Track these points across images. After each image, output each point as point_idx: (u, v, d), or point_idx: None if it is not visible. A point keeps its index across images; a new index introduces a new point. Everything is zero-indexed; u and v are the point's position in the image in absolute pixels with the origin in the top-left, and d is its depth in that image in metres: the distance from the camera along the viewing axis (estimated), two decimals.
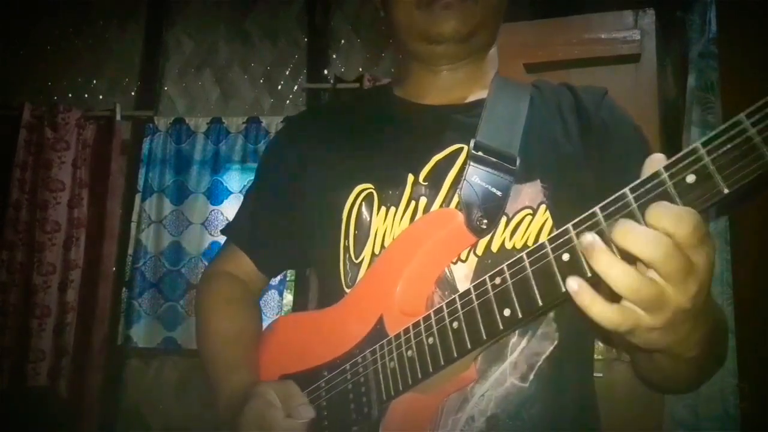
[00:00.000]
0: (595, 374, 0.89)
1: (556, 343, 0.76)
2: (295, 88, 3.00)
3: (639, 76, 1.86)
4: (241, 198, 3.06)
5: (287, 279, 2.81)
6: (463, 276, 0.77)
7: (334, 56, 3.02)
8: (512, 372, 0.74)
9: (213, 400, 0.88)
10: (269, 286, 2.72)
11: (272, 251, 0.99)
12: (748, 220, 1.55)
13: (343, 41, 3.03)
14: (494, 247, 0.77)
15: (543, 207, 0.78)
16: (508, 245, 0.77)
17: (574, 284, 0.50)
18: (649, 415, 1.57)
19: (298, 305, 2.72)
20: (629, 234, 0.48)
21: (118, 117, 2.90)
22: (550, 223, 0.77)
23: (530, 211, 0.78)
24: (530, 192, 0.78)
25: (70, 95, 3.08)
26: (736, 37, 1.62)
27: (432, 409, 0.73)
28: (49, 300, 2.72)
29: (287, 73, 3.04)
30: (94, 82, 3.11)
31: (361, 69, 2.92)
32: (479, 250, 0.77)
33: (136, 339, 2.73)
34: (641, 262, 0.49)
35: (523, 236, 0.77)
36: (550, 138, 0.83)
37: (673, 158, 0.50)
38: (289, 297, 2.84)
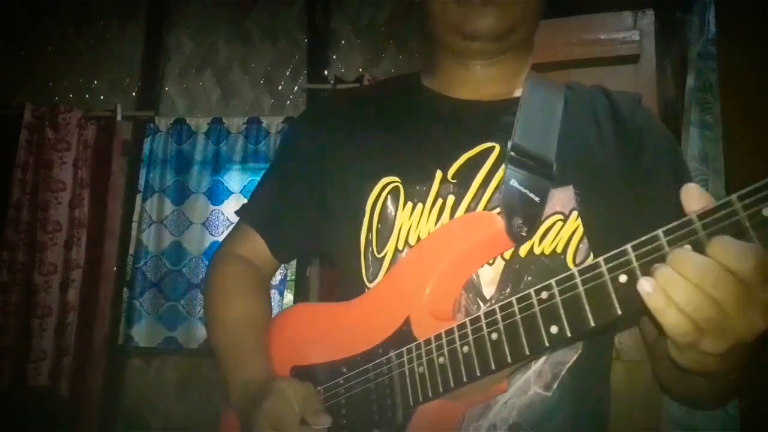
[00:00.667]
0: None
1: (579, 352, 0.75)
2: (296, 88, 3.01)
3: (638, 77, 1.86)
4: (242, 198, 3.04)
5: (287, 279, 2.82)
6: (489, 280, 0.75)
7: (334, 56, 3.02)
8: (536, 381, 0.73)
9: (223, 386, 0.85)
10: (269, 286, 2.72)
11: (287, 234, 0.95)
12: None
13: (343, 41, 3.03)
14: (522, 252, 0.75)
15: (575, 213, 0.76)
16: (537, 250, 0.75)
17: (648, 286, 0.49)
18: (647, 415, 1.58)
19: (298, 303, 2.72)
20: (681, 262, 0.48)
21: (119, 117, 2.91)
22: (581, 230, 0.75)
23: (561, 216, 0.76)
24: (562, 197, 0.76)
25: (71, 95, 3.08)
26: (735, 37, 1.62)
27: (457, 417, 0.72)
28: (50, 300, 2.73)
29: (287, 73, 3.04)
30: (95, 82, 3.12)
31: (361, 69, 2.92)
32: (507, 254, 0.76)
33: (137, 339, 2.73)
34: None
35: (552, 242, 0.75)
36: (585, 143, 0.80)
37: (749, 188, 0.47)
38: (289, 297, 2.85)
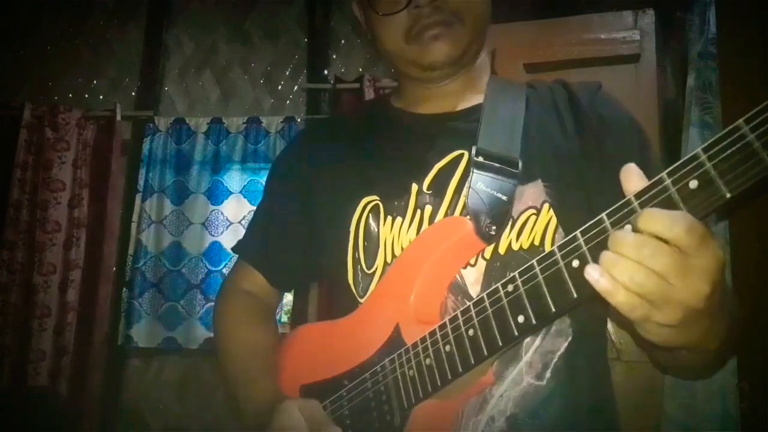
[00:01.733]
0: None
1: (570, 339, 0.77)
2: (296, 88, 3.01)
3: (639, 77, 1.86)
4: (242, 198, 3.03)
5: None
6: (473, 280, 0.78)
7: (334, 56, 3.02)
8: (528, 371, 0.75)
9: (236, 411, 0.90)
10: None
11: (284, 267, 1.00)
12: (748, 219, 1.55)
13: (343, 41, 3.03)
14: (501, 250, 0.78)
15: (546, 206, 0.79)
16: (515, 246, 0.78)
17: (594, 273, 0.51)
18: (647, 415, 1.58)
19: (298, 306, 2.72)
20: (618, 243, 0.51)
21: (119, 117, 2.90)
22: (554, 221, 0.78)
23: (534, 211, 0.79)
24: (533, 192, 0.79)
25: (70, 95, 3.08)
26: (735, 37, 1.62)
27: (453, 414, 0.74)
28: (50, 300, 2.72)
29: (287, 73, 3.04)
30: (95, 82, 3.12)
31: (361, 69, 2.92)
32: (487, 254, 0.78)
33: (137, 339, 2.73)
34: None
35: (529, 236, 0.78)
36: (549, 137, 0.83)
37: (676, 164, 0.51)
38: (289, 296, 2.84)
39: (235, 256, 1.07)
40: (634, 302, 0.51)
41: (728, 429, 1.53)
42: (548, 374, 0.75)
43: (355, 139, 0.96)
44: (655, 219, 0.49)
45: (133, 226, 2.84)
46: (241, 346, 0.96)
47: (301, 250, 0.96)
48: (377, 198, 0.85)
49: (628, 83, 1.85)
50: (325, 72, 2.97)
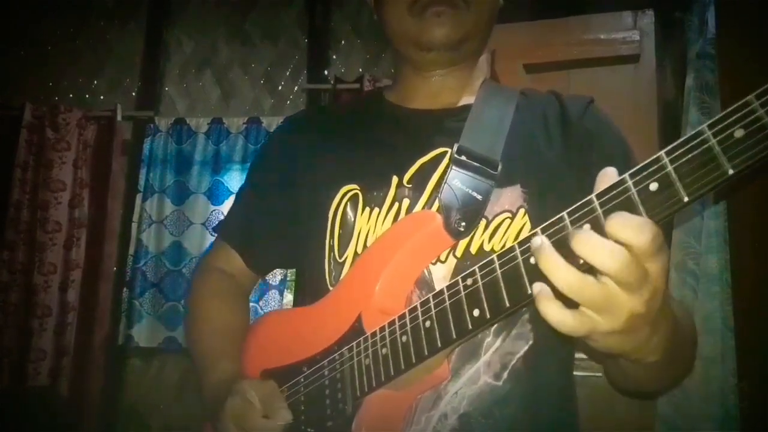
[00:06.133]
0: (595, 374, 0.89)
1: (531, 343, 0.77)
2: (296, 88, 3.01)
3: (638, 77, 1.86)
4: None
5: (287, 279, 2.82)
6: (441, 277, 0.78)
7: (334, 57, 3.03)
8: (486, 371, 0.75)
9: (199, 389, 0.90)
10: (270, 286, 2.74)
11: (262, 251, 1.00)
12: (748, 219, 1.55)
13: (343, 42, 3.04)
14: (473, 250, 0.78)
15: (522, 211, 0.79)
16: (487, 248, 0.78)
17: (536, 289, 0.51)
18: (641, 415, 1.57)
19: (298, 305, 2.72)
20: (587, 244, 0.48)
21: (119, 117, 2.91)
22: (528, 227, 0.78)
23: (509, 214, 0.79)
24: (510, 196, 0.80)
25: (71, 95, 3.09)
26: (733, 37, 1.62)
27: (405, 406, 0.74)
28: (50, 300, 2.73)
29: (287, 73, 3.04)
30: (95, 82, 3.12)
31: (361, 69, 2.93)
32: (458, 252, 0.79)
33: (138, 339, 2.74)
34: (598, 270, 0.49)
35: (501, 239, 0.78)
36: (533, 145, 0.84)
37: (639, 166, 0.51)
38: (289, 297, 2.85)
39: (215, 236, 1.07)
40: (578, 325, 0.50)
41: (728, 429, 1.53)
42: (506, 375, 0.75)
43: (343, 128, 0.96)
44: (626, 225, 0.47)
45: (134, 226, 2.85)
46: (208, 325, 0.96)
47: (281, 234, 0.96)
48: (357, 187, 0.85)
49: (628, 83, 1.85)
50: (325, 72, 2.97)
